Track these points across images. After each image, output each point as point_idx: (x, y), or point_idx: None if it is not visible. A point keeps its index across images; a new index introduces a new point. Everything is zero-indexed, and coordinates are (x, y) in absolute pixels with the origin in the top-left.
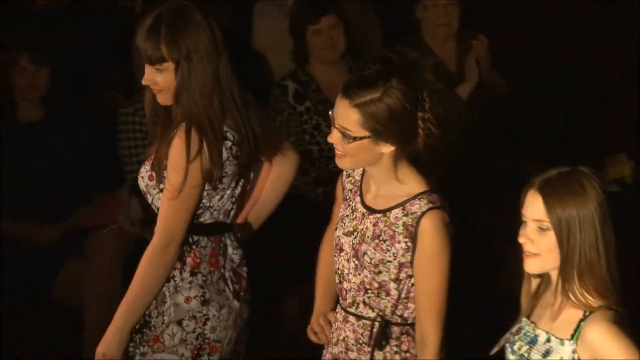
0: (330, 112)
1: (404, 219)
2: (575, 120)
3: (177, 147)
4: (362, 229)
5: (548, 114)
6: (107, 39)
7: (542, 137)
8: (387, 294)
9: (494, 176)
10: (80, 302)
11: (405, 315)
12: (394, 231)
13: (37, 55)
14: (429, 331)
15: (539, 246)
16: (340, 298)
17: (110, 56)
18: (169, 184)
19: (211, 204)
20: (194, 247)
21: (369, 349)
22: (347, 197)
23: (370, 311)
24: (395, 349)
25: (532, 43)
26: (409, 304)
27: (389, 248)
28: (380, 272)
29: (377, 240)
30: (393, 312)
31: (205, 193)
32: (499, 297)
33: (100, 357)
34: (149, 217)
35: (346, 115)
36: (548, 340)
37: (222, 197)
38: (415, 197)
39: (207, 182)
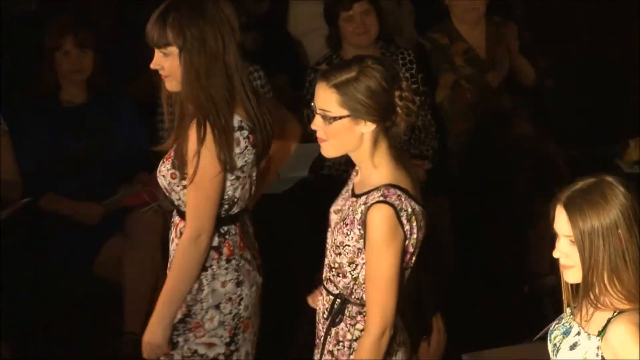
0: (312, 104)
1: (362, 207)
2: (600, 105)
3: (192, 141)
4: (344, 209)
5: (574, 98)
6: (144, 22)
7: (569, 121)
8: (344, 276)
9: (522, 159)
10: (121, 278)
11: (364, 297)
12: (354, 217)
13: (81, 39)
14: (370, 318)
15: (574, 259)
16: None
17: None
18: (191, 176)
19: (239, 196)
20: (227, 237)
21: (325, 322)
22: (352, 177)
23: (334, 288)
24: (348, 327)
25: (561, 29)
26: (360, 287)
27: (348, 232)
28: (340, 253)
29: (341, 223)
30: (350, 293)
31: (230, 184)
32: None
33: (146, 345)
34: None
35: (325, 97)
36: (578, 334)
37: (244, 186)
38: (376, 188)
39: (227, 172)
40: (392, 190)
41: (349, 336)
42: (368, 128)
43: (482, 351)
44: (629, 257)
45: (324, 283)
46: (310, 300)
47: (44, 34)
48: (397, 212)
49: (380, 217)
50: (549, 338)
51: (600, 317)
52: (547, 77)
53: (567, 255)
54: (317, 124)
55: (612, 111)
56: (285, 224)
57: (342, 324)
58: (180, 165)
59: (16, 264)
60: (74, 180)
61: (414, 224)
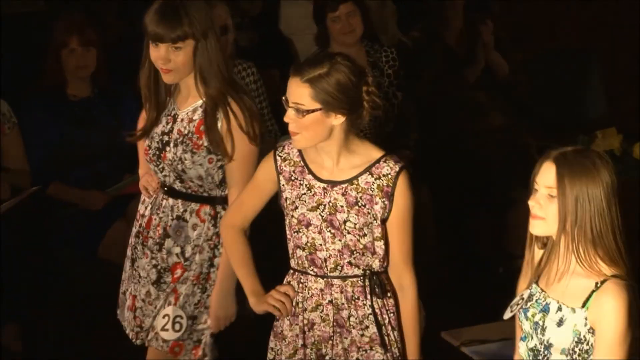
0: (282, 98)
1: (377, 182)
2: (570, 98)
3: (223, 123)
4: (330, 201)
5: (546, 92)
6: None
7: (540, 113)
8: (374, 253)
9: (497, 148)
10: (123, 261)
11: (386, 265)
12: (371, 195)
13: (85, 37)
14: (408, 277)
15: (547, 212)
16: (312, 268)
17: None
18: (231, 154)
19: None
20: None
21: (365, 301)
22: (293, 178)
23: (356, 269)
24: (389, 293)
25: (534, 27)
26: (387, 255)
27: (369, 211)
28: (365, 234)
29: (356, 207)
30: (380, 265)
31: None
32: (501, 260)
33: (216, 319)
34: None
35: (298, 91)
36: (559, 309)
37: None
38: (377, 161)
39: (257, 145)
40: (395, 156)
41: (391, 302)
42: (338, 120)
43: (460, 329)
44: (610, 222)
45: (333, 273)
46: (272, 307)
47: (51, 32)
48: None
49: (409, 183)
50: (522, 317)
51: (580, 289)
52: (520, 72)
53: (542, 206)
54: (290, 116)
55: (582, 104)
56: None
57: (386, 297)
58: (215, 148)
59: (26, 248)
60: (81, 169)
61: None
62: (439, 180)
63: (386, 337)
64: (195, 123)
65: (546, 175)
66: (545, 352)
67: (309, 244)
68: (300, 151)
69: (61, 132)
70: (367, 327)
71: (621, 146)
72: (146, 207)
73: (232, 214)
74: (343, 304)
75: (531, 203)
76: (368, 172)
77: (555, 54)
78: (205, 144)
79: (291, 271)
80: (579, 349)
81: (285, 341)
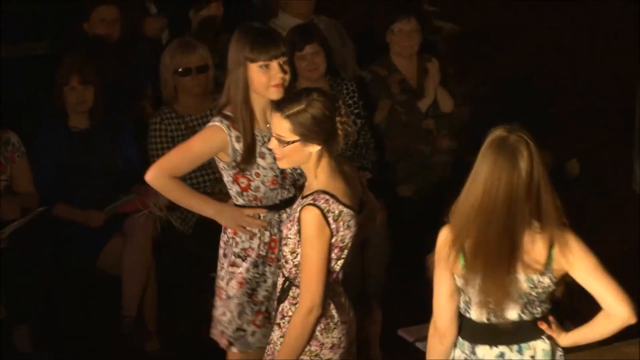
0: (267, 125)
1: (299, 207)
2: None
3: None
4: (293, 208)
5: (485, 120)
6: (141, 63)
7: (480, 138)
8: (287, 263)
9: (443, 168)
10: (119, 271)
11: (299, 274)
12: (295, 215)
13: (84, 77)
14: (300, 298)
15: None
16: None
17: (143, 77)
18: None
19: None
20: None
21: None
22: None
23: (285, 272)
24: (290, 305)
25: (474, 64)
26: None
27: (290, 227)
28: (286, 244)
29: (288, 220)
30: (294, 277)
31: None
32: None
33: None
34: (174, 205)
35: (279, 125)
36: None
37: None
38: (311, 193)
39: None
40: (322, 195)
41: (290, 312)
42: (314, 148)
43: (415, 326)
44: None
45: (281, 268)
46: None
47: (55, 72)
48: (324, 214)
49: (309, 217)
50: None
51: (538, 255)
52: (462, 102)
53: None
54: (274, 144)
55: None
56: None
57: (286, 302)
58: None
59: (35, 262)
60: (81, 191)
61: (341, 223)
62: (394, 196)
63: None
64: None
65: None
66: None
67: None
68: None
69: (64, 159)
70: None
71: (554, 165)
72: (261, 236)
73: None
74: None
75: None
76: (305, 198)
77: (494, 88)
78: None
79: None
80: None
81: None
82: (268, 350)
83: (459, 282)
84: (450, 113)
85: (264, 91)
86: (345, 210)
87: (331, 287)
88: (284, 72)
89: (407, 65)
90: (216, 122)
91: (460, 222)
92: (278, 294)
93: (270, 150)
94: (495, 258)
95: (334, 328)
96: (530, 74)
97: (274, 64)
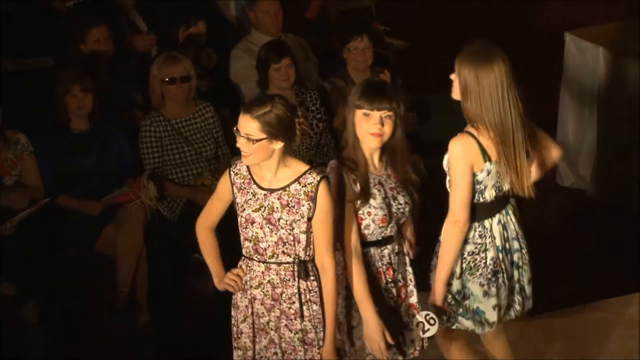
0: (235, 128)
1: (304, 189)
2: (447, 127)
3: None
4: (269, 204)
5: (430, 125)
6: (132, 74)
7: (425, 138)
8: (299, 242)
9: None
10: (114, 253)
11: (311, 253)
12: (299, 199)
13: (84, 85)
14: (328, 260)
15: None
16: (255, 256)
17: (134, 86)
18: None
19: None
20: None
21: (294, 282)
22: (243, 187)
23: (287, 257)
24: (312, 276)
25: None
26: (312, 246)
27: (297, 211)
28: (293, 228)
29: (287, 208)
30: (305, 253)
31: None
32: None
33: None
34: (162, 195)
35: (248, 125)
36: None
37: None
38: (304, 173)
39: None
40: (318, 169)
41: (315, 285)
42: (278, 145)
43: None
44: None
45: (271, 259)
46: (228, 285)
47: (57, 82)
48: (338, 177)
49: (327, 189)
50: None
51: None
52: (410, 109)
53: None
54: (242, 143)
55: (457, 131)
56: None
57: (309, 281)
58: None
59: (41, 244)
60: (81, 184)
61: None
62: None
63: (307, 310)
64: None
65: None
66: None
67: (253, 237)
68: (248, 167)
69: (66, 157)
70: (293, 302)
71: None
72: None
73: (203, 218)
74: (278, 283)
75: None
76: (297, 182)
77: (437, 96)
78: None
79: (242, 257)
80: None
81: (239, 309)
82: (307, 327)
83: (481, 175)
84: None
85: (363, 137)
86: None
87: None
88: (382, 124)
89: (361, 77)
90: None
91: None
92: (290, 277)
93: (379, 191)
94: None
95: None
96: None
97: (376, 114)
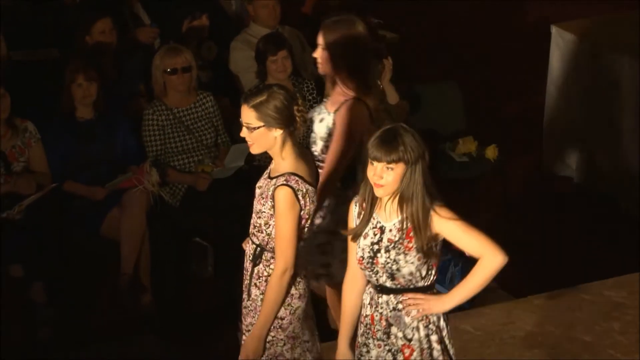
0: (239, 119)
1: (272, 187)
2: (439, 115)
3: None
4: (259, 189)
5: (423, 112)
6: (135, 64)
7: (419, 126)
8: (261, 232)
9: None
10: (118, 237)
11: (272, 244)
12: (268, 193)
13: (89, 75)
14: (277, 260)
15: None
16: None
17: (138, 75)
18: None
19: None
20: None
21: (251, 262)
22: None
23: (256, 240)
24: (264, 267)
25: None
26: (272, 240)
27: (264, 203)
28: (259, 217)
29: (260, 196)
30: (266, 244)
31: None
32: None
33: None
34: (164, 181)
35: (247, 114)
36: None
37: None
38: (282, 174)
39: None
40: (292, 176)
41: (265, 273)
42: (277, 133)
43: None
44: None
45: (250, 236)
46: (244, 245)
47: (63, 72)
48: (295, 192)
49: (283, 195)
50: None
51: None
52: (404, 98)
53: (382, 177)
54: (244, 132)
55: (447, 119)
56: (228, 199)
57: (261, 265)
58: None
59: (49, 227)
60: (87, 171)
61: (307, 199)
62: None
63: (253, 291)
64: (405, 231)
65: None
66: None
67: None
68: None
69: (72, 145)
70: (246, 279)
71: (477, 150)
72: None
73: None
74: (247, 257)
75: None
76: (276, 178)
77: (428, 86)
78: (416, 245)
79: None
80: None
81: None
82: (249, 306)
83: None
84: (394, 105)
85: (370, 182)
86: (310, 188)
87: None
88: (381, 177)
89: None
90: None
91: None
92: (251, 259)
93: (374, 235)
94: None
95: (300, 281)
96: (457, 74)
97: (377, 165)
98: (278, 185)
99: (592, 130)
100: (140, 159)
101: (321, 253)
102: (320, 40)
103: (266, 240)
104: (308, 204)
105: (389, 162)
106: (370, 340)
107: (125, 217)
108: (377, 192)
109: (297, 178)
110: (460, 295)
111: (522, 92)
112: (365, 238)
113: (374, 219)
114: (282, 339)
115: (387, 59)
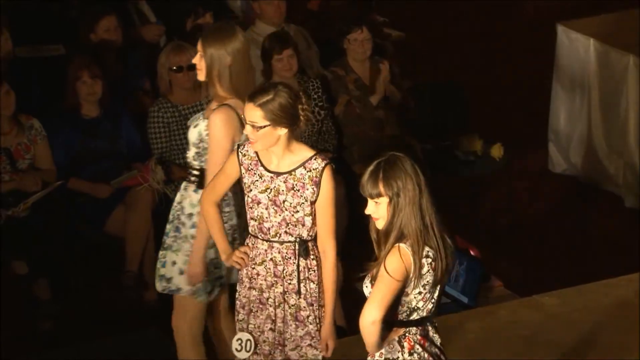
0: (242, 116)
1: (309, 174)
2: (444, 113)
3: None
4: (275, 187)
5: (427, 110)
6: (140, 61)
7: (423, 125)
8: (303, 225)
9: (392, 150)
10: (123, 234)
11: (313, 234)
12: (304, 183)
13: (93, 72)
14: (329, 245)
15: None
16: (260, 234)
17: (143, 73)
18: None
19: (420, 306)
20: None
21: (295, 260)
22: (250, 169)
23: (290, 237)
24: (312, 256)
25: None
26: (314, 228)
27: (301, 194)
28: (297, 211)
29: (292, 191)
30: (308, 234)
31: (414, 297)
32: None
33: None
34: (169, 179)
35: (252, 113)
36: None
37: (425, 298)
38: (310, 158)
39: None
40: (322, 155)
41: (314, 264)
42: (283, 131)
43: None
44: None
45: (274, 238)
46: (234, 262)
47: (68, 69)
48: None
49: (331, 175)
50: None
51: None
52: (408, 96)
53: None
54: (248, 131)
55: (451, 117)
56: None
57: (309, 259)
58: None
59: (52, 226)
60: (91, 168)
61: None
62: (351, 175)
63: (304, 288)
64: None
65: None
66: None
67: (258, 217)
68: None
69: (77, 141)
70: (292, 279)
71: (482, 148)
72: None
73: (208, 192)
74: (280, 260)
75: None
76: (302, 167)
77: (433, 84)
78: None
79: (249, 235)
80: None
81: (243, 285)
82: (304, 300)
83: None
84: (398, 105)
85: None
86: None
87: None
88: (373, 211)
89: (360, 67)
90: None
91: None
92: (291, 258)
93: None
94: None
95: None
96: (462, 72)
97: (369, 199)
98: (324, 167)
99: (597, 129)
100: (144, 156)
101: (214, 267)
102: (199, 47)
103: (309, 230)
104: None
105: (371, 198)
106: None
107: (131, 214)
108: (377, 224)
109: (327, 157)
110: None
111: (527, 90)
112: None
113: None
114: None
115: (383, 63)
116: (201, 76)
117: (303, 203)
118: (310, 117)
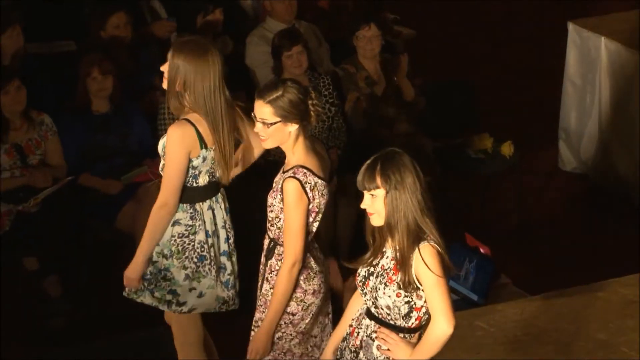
0: (252, 114)
1: (281, 180)
2: (455, 111)
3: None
4: (276, 181)
5: (439, 107)
6: (151, 58)
7: (434, 123)
8: (273, 226)
9: (403, 148)
10: (133, 230)
11: (281, 237)
12: (278, 187)
13: (104, 68)
14: (286, 252)
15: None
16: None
17: (153, 69)
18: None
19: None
20: None
21: (265, 256)
22: None
23: (270, 234)
24: (276, 261)
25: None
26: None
27: (275, 197)
28: (271, 211)
29: (272, 191)
30: (278, 238)
31: None
32: None
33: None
34: None
35: (262, 110)
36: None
37: None
38: (291, 167)
39: None
40: (300, 169)
41: (277, 267)
42: (293, 128)
43: None
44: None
45: (266, 230)
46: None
47: (79, 65)
48: (302, 185)
49: (290, 188)
50: None
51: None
52: (419, 93)
53: (371, 205)
54: (258, 127)
55: (463, 116)
56: (243, 193)
57: (273, 259)
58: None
59: (63, 222)
60: (101, 163)
61: (316, 192)
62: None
63: (265, 286)
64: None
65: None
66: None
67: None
68: None
69: (87, 137)
70: (261, 273)
71: (492, 146)
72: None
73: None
74: (264, 255)
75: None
76: (287, 172)
77: (444, 82)
78: (398, 280)
79: None
80: None
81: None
82: (259, 301)
83: (196, 161)
84: (410, 102)
85: None
86: (319, 181)
87: (309, 244)
88: (368, 205)
89: (370, 64)
90: None
91: None
92: (265, 253)
93: (375, 257)
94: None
95: (314, 277)
96: (473, 70)
97: (365, 193)
98: (286, 178)
99: (608, 128)
100: (155, 152)
101: (164, 279)
102: (169, 56)
103: (277, 234)
104: (317, 197)
105: (368, 190)
106: (346, 351)
107: (141, 210)
108: (371, 220)
109: (305, 170)
110: (417, 356)
111: (538, 88)
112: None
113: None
114: (291, 335)
115: (403, 55)
116: (164, 84)
117: (274, 205)
118: (320, 112)
